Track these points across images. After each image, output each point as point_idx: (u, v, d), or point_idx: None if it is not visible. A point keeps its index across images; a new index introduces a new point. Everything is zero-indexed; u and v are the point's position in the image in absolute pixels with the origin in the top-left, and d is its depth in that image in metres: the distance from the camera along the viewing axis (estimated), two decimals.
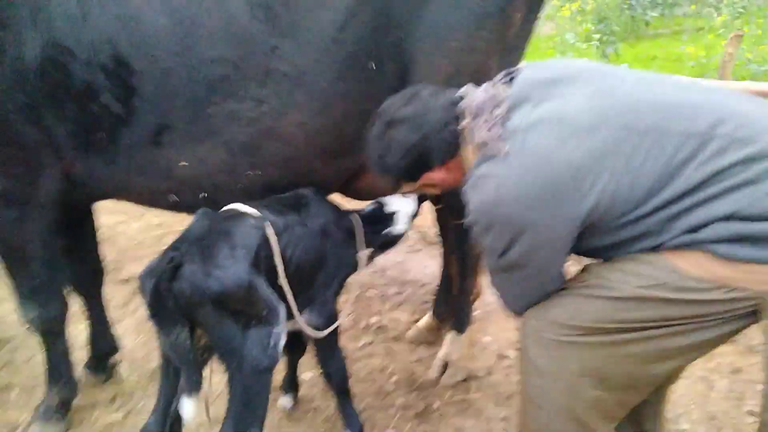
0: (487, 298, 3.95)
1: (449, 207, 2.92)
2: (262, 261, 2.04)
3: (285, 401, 2.93)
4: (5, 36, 2.04)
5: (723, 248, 1.52)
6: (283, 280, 2.12)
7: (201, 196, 2.42)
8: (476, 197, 1.69)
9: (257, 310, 1.95)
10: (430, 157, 1.84)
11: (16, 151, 2.21)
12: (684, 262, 1.58)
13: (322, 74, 2.26)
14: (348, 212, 2.66)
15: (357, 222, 2.61)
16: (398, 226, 2.75)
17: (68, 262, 2.68)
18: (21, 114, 2.13)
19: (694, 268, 1.57)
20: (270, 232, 2.09)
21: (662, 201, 1.56)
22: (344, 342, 3.46)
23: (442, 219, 3.20)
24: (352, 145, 2.46)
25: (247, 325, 1.95)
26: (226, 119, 2.25)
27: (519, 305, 1.91)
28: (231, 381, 1.99)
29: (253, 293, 1.92)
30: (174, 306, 1.84)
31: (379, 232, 2.72)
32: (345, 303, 2.61)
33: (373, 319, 3.78)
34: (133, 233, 4.89)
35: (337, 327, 2.49)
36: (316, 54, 2.23)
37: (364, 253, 2.60)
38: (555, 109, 1.62)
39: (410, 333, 3.57)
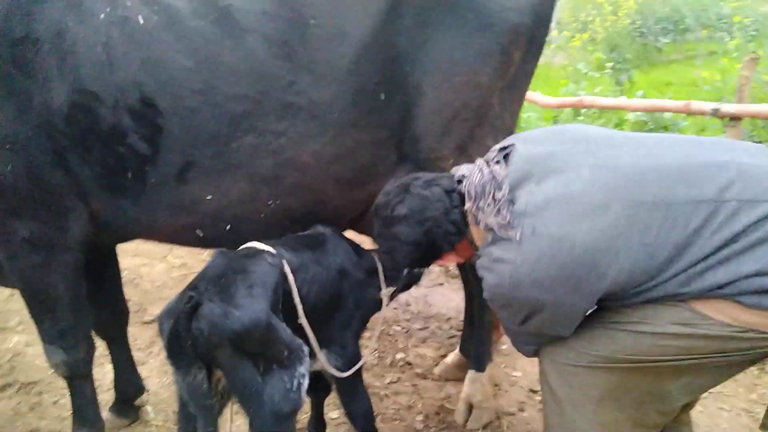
0: None
1: None
2: (279, 300, 2.01)
3: None
4: (32, 84, 2.08)
5: (750, 300, 1.51)
6: (302, 319, 2.08)
7: (226, 228, 2.44)
8: (491, 280, 1.70)
9: (277, 351, 1.90)
10: (438, 247, 1.87)
11: (42, 196, 2.22)
12: (711, 310, 1.57)
13: (335, 105, 2.33)
14: (368, 251, 2.63)
15: (377, 261, 2.57)
16: None
17: (92, 305, 2.66)
18: (47, 159, 2.16)
19: (722, 316, 1.56)
20: (287, 269, 2.07)
21: (679, 269, 1.56)
22: (369, 379, 3.41)
23: None
24: (364, 174, 2.52)
25: (267, 368, 1.90)
26: (247, 152, 2.30)
27: (531, 350, 1.94)
28: (251, 427, 1.93)
29: (272, 333, 1.87)
30: (192, 347, 1.81)
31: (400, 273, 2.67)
32: (369, 339, 2.55)
33: (399, 356, 3.71)
34: (156, 275, 4.90)
35: (361, 367, 2.43)
36: (330, 86, 2.30)
37: (385, 293, 2.56)
38: (560, 188, 1.62)
39: (438, 369, 3.50)
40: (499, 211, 1.66)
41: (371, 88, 2.37)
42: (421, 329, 4.05)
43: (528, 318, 1.71)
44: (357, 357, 2.41)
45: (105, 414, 3.01)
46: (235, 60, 2.20)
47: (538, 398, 3.26)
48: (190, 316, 1.80)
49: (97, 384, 3.21)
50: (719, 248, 1.52)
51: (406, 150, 2.54)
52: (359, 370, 2.43)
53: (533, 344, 1.92)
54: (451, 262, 2.00)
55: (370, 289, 2.52)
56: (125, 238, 2.65)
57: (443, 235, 1.83)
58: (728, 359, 1.63)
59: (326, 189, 2.49)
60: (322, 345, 2.28)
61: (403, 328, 4.06)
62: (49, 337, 2.50)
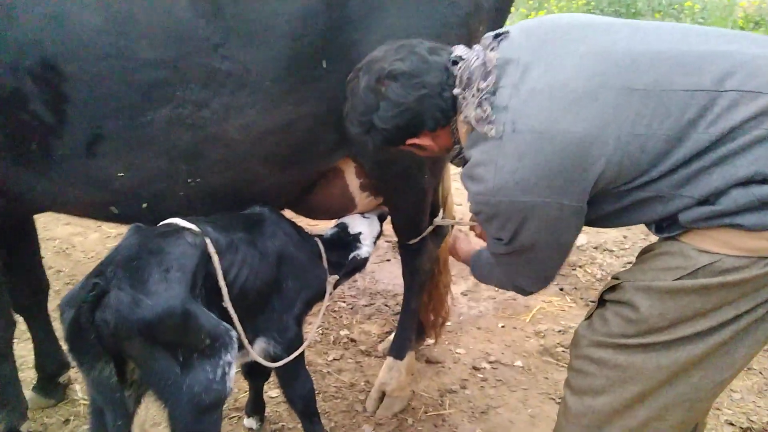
0: (459, 309, 3.87)
1: (398, 224, 2.82)
2: (200, 283, 1.84)
3: (250, 423, 2.77)
4: None
5: (750, 219, 1.40)
6: (228, 304, 1.92)
7: (142, 206, 2.23)
8: (474, 188, 1.59)
9: (197, 340, 1.75)
10: (422, 121, 1.67)
11: None
12: (712, 243, 1.48)
13: (267, 72, 2.09)
14: (311, 235, 2.52)
15: (319, 247, 2.47)
16: (364, 249, 2.63)
17: (8, 278, 2.47)
18: None
19: (724, 247, 1.46)
20: (211, 249, 1.90)
21: (672, 164, 1.45)
22: (312, 357, 3.33)
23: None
24: (300, 153, 2.31)
25: (187, 358, 1.75)
26: (164, 126, 2.06)
27: (537, 284, 1.80)
28: (170, 422, 1.78)
29: (190, 322, 1.72)
30: (97, 339, 1.64)
31: (344, 257, 2.58)
32: (313, 315, 2.47)
33: (343, 332, 3.64)
34: (89, 245, 4.66)
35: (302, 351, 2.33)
36: (262, 50, 2.06)
37: (329, 281, 2.47)
38: (545, 78, 1.50)
39: (381, 346, 3.44)
40: (480, 103, 1.54)
41: (311, 55, 2.13)
42: (366, 306, 3.99)
43: (518, 231, 1.58)
44: (299, 341, 2.30)
45: (28, 393, 2.84)
46: (150, 18, 1.95)
47: (481, 376, 3.25)
48: (93, 306, 1.64)
49: (21, 361, 3.04)
50: (715, 144, 1.41)
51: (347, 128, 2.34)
52: (300, 354, 2.32)
53: (533, 275, 1.77)
54: (424, 149, 1.79)
55: (314, 275, 2.41)
56: (38, 211, 2.45)
57: (433, 107, 1.64)
58: (760, 314, 1.51)
59: (256, 168, 2.28)
60: (259, 331, 2.17)
61: (348, 305, 3.99)
62: None
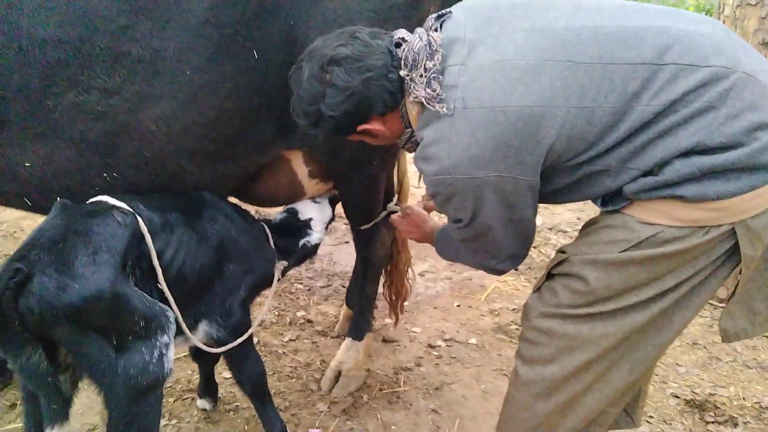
0: (416, 289, 3.90)
1: (350, 211, 2.76)
2: (130, 264, 1.77)
3: (203, 404, 2.74)
4: None
5: (691, 190, 1.45)
6: (163, 285, 1.85)
7: (56, 200, 2.03)
8: (429, 168, 1.58)
9: (130, 322, 1.69)
10: (370, 105, 1.64)
11: None
12: (654, 215, 1.52)
13: (187, 61, 1.92)
14: (257, 219, 2.46)
15: (266, 232, 2.41)
16: (314, 235, 2.58)
17: None
18: None
19: (666, 219, 1.51)
20: (144, 228, 1.81)
21: (618, 137, 1.48)
22: (268, 338, 3.32)
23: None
24: (231, 147, 2.17)
25: (121, 340, 1.69)
26: (68, 113, 1.89)
27: (505, 263, 1.78)
28: (107, 406, 1.72)
29: (121, 305, 1.65)
30: (22, 326, 1.56)
31: (295, 243, 2.53)
32: (268, 297, 2.45)
33: (300, 313, 3.63)
34: (14, 220, 4.52)
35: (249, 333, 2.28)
36: (179, 36, 1.89)
37: (278, 266, 2.41)
38: (491, 54, 1.51)
39: (339, 327, 3.46)
40: (429, 82, 1.53)
41: (239, 44, 1.97)
42: (323, 287, 3.98)
43: (476, 209, 1.58)
44: (245, 326, 2.25)
45: None
46: None
47: (436, 353, 3.29)
48: (16, 293, 1.55)
49: None
50: (658, 116, 1.45)
51: (287, 121, 2.07)
52: (249, 336, 2.28)
53: (499, 254, 1.74)
54: (372, 135, 1.75)
55: (261, 258, 2.36)
56: None
57: (380, 90, 1.62)
58: (696, 285, 1.57)
59: (180, 163, 2.11)
60: (201, 315, 2.12)
61: (305, 286, 3.98)
62: None
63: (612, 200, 1.60)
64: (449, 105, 1.51)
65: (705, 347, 3.42)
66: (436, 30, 1.61)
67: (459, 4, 1.70)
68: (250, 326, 2.27)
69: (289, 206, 2.63)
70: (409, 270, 3.32)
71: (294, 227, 2.56)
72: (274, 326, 3.47)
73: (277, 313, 3.61)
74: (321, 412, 2.80)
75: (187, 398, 2.85)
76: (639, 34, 1.49)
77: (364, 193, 2.64)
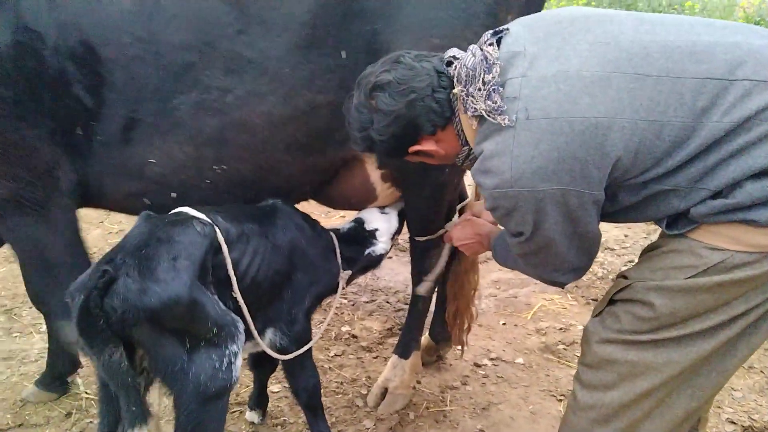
0: None
1: (412, 220, 2.73)
2: (209, 273, 1.87)
3: (252, 416, 2.77)
4: None
5: (763, 214, 1.39)
6: (237, 294, 1.94)
7: (172, 196, 2.27)
8: (489, 182, 1.54)
9: (204, 328, 1.77)
10: (417, 126, 1.66)
11: (13, 152, 2.05)
12: (722, 240, 1.47)
13: (287, 60, 2.12)
14: (326, 229, 2.47)
15: (334, 242, 2.43)
16: (380, 246, 2.56)
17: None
18: (6, 111, 1.98)
19: (735, 244, 1.46)
20: (221, 239, 1.92)
21: (688, 154, 1.43)
22: (314, 353, 3.32)
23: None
24: (323, 140, 2.31)
25: (194, 345, 1.77)
26: (191, 110, 2.12)
27: (568, 275, 1.73)
28: (176, 409, 1.80)
29: (197, 310, 1.74)
30: (106, 325, 1.66)
31: (359, 252, 2.52)
32: (332, 306, 2.51)
33: (345, 329, 3.65)
34: (92, 241, 4.67)
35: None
36: (282, 37, 2.09)
37: (342, 276, 2.43)
38: (555, 65, 1.48)
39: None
40: (489, 95, 1.50)
41: (331, 44, 2.14)
42: (368, 302, 3.99)
43: (538, 222, 1.53)
44: (306, 335, 2.29)
45: (30, 388, 2.86)
46: (177, 3, 2.01)
47: (482, 372, 3.26)
48: (102, 293, 1.65)
49: (23, 354, 3.04)
50: (730, 134, 1.40)
51: None
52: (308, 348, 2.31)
53: (562, 267, 1.70)
54: (429, 155, 1.75)
55: (326, 269, 2.38)
56: (84, 204, 2.39)
57: (425, 110, 1.63)
58: (764, 309, 1.52)
59: (278, 154, 2.29)
60: (268, 322, 2.17)
61: (349, 301, 4.00)
62: (59, 312, 2.34)
63: (677, 223, 1.56)
64: (511, 116, 1.47)
65: (762, 371, 3.30)
66: (490, 44, 1.59)
67: (518, 20, 1.69)
68: (310, 335, 2.30)
69: (358, 215, 2.64)
70: (477, 292, 3.19)
71: (360, 237, 2.56)
72: (319, 341, 3.50)
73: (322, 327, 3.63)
74: (368, 429, 2.80)
75: (235, 411, 2.88)
76: (709, 49, 1.45)
77: (430, 201, 2.63)
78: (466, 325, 3.12)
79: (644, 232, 4.95)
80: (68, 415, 2.84)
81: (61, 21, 1.94)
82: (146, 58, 2.02)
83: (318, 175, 2.46)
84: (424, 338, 3.30)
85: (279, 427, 2.81)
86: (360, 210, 2.70)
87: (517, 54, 1.53)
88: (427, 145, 1.72)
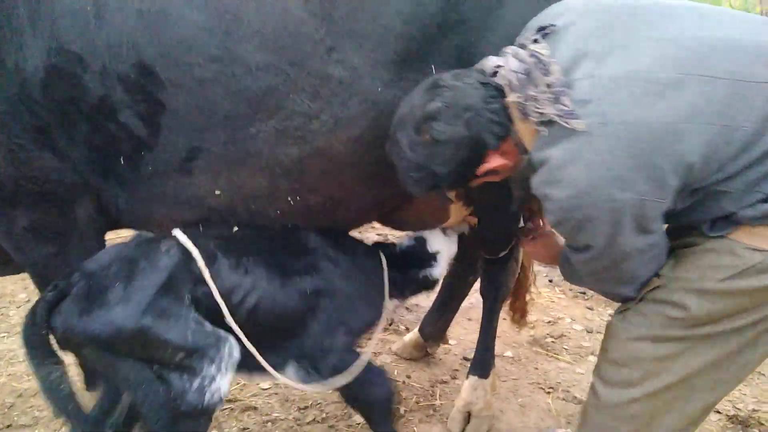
0: None
1: (487, 238, 2.52)
2: (183, 297, 1.75)
3: None
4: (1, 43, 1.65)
5: None
6: (230, 323, 1.82)
7: (233, 227, 2.07)
8: (559, 193, 1.45)
9: (166, 355, 1.69)
10: (483, 143, 1.55)
11: (33, 181, 1.82)
12: (762, 240, 1.45)
13: (379, 77, 1.85)
14: (372, 252, 2.27)
15: (383, 265, 2.23)
16: (437, 269, 2.37)
17: None
18: (29, 138, 1.75)
19: None
20: (202, 266, 1.78)
21: (749, 160, 1.40)
22: None
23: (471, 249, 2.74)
24: None
25: (162, 368, 1.70)
26: (270, 139, 1.85)
27: (637, 287, 1.67)
28: (145, 423, 1.75)
29: (149, 338, 1.65)
30: (48, 341, 1.62)
31: (415, 273, 2.34)
32: (373, 336, 2.34)
33: None
34: None
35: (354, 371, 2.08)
36: (375, 53, 1.82)
37: (389, 306, 2.24)
38: (625, 65, 1.40)
39: (395, 347, 3.37)
40: (557, 98, 1.41)
41: (421, 58, 1.87)
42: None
43: (613, 236, 1.46)
44: (345, 365, 2.06)
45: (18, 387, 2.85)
46: (260, 17, 1.71)
47: None
48: (50, 307, 1.61)
49: (11, 355, 3.02)
50: None
51: None
52: (367, 370, 2.10)
53: (630, 280, 1.64)
54: (495, 172, 1.64)
55: (368, 303, 2.19)
56: (118, 228, 2.20)
57: (485, 124, 1.52)
58: None
59: (354, 186, 2.04)
60: (290, 356, 2.03)
61: None
62: None
63: (720, 224, 1.52)
64: (585, 121, 1.39)
65: None
66: (536, 41, 1.51)
67: (556, 9, 1.60)
68: (350, 362, 2.08)
69: (419, 234, 2.43)
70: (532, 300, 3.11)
71: (418, 256, 2.37)
72: None
73: None
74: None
75: (226, 409, 2.88)
76: None
77: (506, 215, 2.36)
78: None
79: None
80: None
81: (110, 41, 1.68)
82: (218, 80, 1.75)
83: (384, 207, 2.24)
84: (413, 334, 3.32)
85: (270, 423, 2.82)
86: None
87: (580, 51, 1.45)
88: (495, 161, 1.62)
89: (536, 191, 1.52)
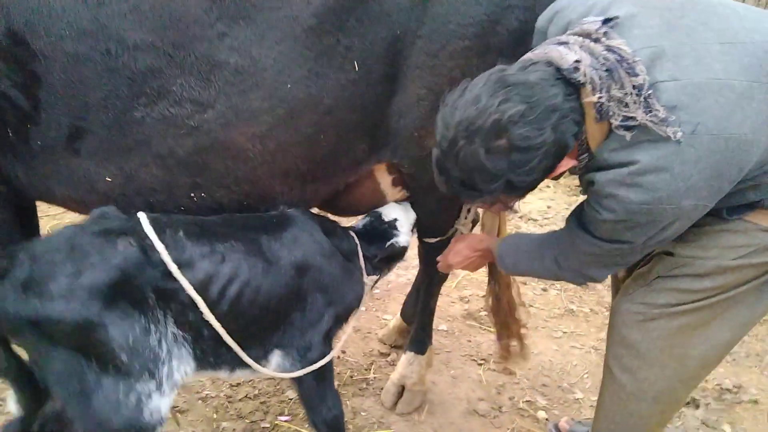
0: (388, 277, 3.90)
1: (424, 222, 2.50)
2: (143, 295, 1.62)
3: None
4: None
5: None
6: (209, 318, 1.70)
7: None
8: (635, 196, 1.40)
9: (108, 354, 1.55)
10: (565, 147, 1.42)
11: None
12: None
13: (287, 73, 1.76)
14: (345, 233, 2.24)
15: (356, 244, 2.21)
16: (402, 237, 2.35)
17: None
18: None
19: None
20: (167, 259, 1.64)
21: None
22: None
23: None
24: (323, 167, 2.02)
25: (102, 369, 1.56)
26: (158, 126, 1.75)
27: (607, 275, 1.77)
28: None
29: (93, 333, 1.52)
30: None
31: (381, 246, 2.30)
32: (350, 319, 2.27)
33: None
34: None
35: (329, 370, 2.07)
36: (281, 45, 1.73)
37: (368, 281, 2.22)
38: (702, 70, 1.36)
39: (381, 332, 3.35)
40: (647, 103, 1.34)
41: (341, 54, 1.79)
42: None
43: (656, 235, 1.48)
44: (324, 354, 2.01)
45: None
46: None
47: None
48: None
49: None
50: None
51: (381, 134, 2.01)
52: (326, 372, 2.06)
53: (621, 265, 1.72)
54: (558, 172, 1.53)
55: (350, 285, 2.14)
56: (31, 200, 2.08)
57: (570, 126, 1.40)
58: None
59: (271, 184, 1.97)
60: (274, 346, 1.96)
61: None
62: None
63: (738, 209, 1.58)
64: (678, 129, 1.34)
65: None
66: (608, 36, 1.41)
67: (621, 4, 1.50)
68: (329, 362, 2.04)
69: (372, 210, 2.42)
70: (521, 305, 2.96)
71: (379, 230, 2.34)
72: None
73: None
74: (290, 399, 2.80)
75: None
76: None
77: (442, 204, 2.40)
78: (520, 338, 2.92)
79: (566, 204, 5.12)
80: None
81: None
82: (92, 55, 1.65)
83: (317, 201, 2.19)
84: (396, 319, 3.28)
85: (200, 401, 2.77)
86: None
87: (657, 50, 1.38)
88: (567, 163, 1.49)
89: (605, 189, 1.45)
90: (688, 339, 1.73)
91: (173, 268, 1.64)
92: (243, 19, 1.69)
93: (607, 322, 3.45)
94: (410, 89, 1.94)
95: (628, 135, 1.38)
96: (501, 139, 1.36)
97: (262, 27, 1.71)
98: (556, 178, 1.58)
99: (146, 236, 1.66)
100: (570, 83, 1.39)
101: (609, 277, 2.00)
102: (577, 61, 1.39)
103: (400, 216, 2.37)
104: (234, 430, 2.60)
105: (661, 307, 1.73)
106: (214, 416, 2.68)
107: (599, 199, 1.48)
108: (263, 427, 2.64)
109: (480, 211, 2.65)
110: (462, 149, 1.41)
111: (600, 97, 1.37)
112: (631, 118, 1.36)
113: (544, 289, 3.90)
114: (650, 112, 1.34)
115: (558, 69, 1.40)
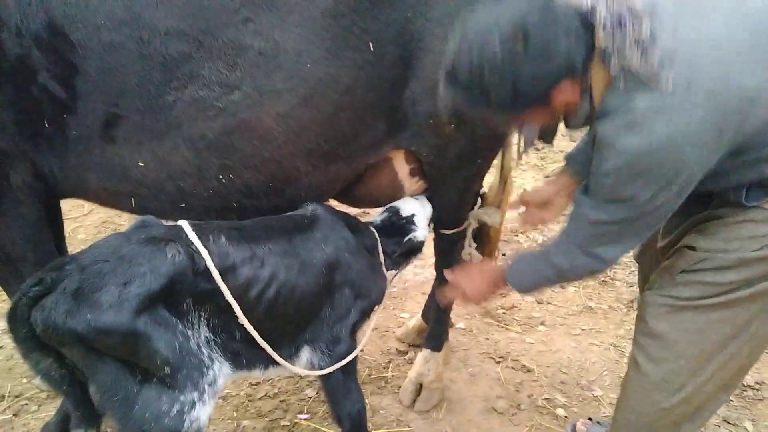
0: (405, 276, 3.92)
1: (440, 212, 2.53)
2: (183, 305, 1.66)
3: None
4: None
5: None
6: (244, 322, 1.75)
7: (167, 201, 2.04)
8: (635, 139, 1.43)
9: (153, 365, 1.58)
10: (574, 63, 1.42)
11: None
12: None
13: (307, 54, 1.85)
14: (368, 228, 2.28)
15: (377, 239, 2.25)
16: (419, 232, 2.39)
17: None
18: None
19: None
20: (211, 266, 1.68)
21: None
22: None
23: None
24: (344, 147, 2.08)
25: (145, 379, 1.60)
26: (188, 109, 1.85)
27: (624, 251, 1.72)
28: None
29: (140, 344, 1.55)
30: (30, 334, 1.53)
31: (399, 241, 2.34)
32: (374, 312, 2.32)
33: None
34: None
35: (354, 363, 2.12)
36: (300, 28, 1.83)
37: (390, 275, 2.27)
38: (702, 28, 1.40)
39: (399, 332, 3.36)
40: (644, 54, 1.38)
41: (356, 36, 1.87)
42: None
43: (658, 194, 1.49)
44: (351, 354, 2.08)
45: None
46: None
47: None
48: (32, 302, 1.52)
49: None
50: None
51: (398, 117, 2.09)
52: (350, 369, 2.11)
53: (631, 241, 1.69)
54: (554, 111, 1.53)
55: (373, 281, 2.19)
56: (63, 196, 2.16)
57: (581, 43, 1.42)
58: None
59: (296, 163, 2.04)
60: (305, 342, 2.02)
61: None
62: None
63: (755, 194, 1.59)
64: (671, 81, 1.37)
65: None
66: None
67: None
68: (355, 356, 2.11)
69: (389, 205, 2.46)
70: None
71: (397, 225, 2.38)
72: None
73: None
74: (310, 398, 2.83)
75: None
76: None
77: (460, 194, 2.49)
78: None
79: (565, 215, 5.07)
80: (1, 398, 2.78)
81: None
82: (127, 44, 1.75)
83: (339, 183, 2.24)
84: (416, 319, 3.28)
85: (221, 400, 2.81)
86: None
87: (656, 6, 1.42)
88: (569, 93, 1.49)
89: (604, 137, 1.49)
90: (715, 334, 1.73)
91: (216, 275, 1.69)
92: (265, 4, 1.80)
93: (625, 319, 3.47)
94: (423, 74, 1.99)
95: (624, 84, 1.43)
96: (517, 39, 1.38)
97: (283, 11, 1.82)
98: (552, 132, 1.63)
99: (191, 243, 1.70)
100: (585, 23, 1.44)
101: (636, 273, 1.99)
102: (594, 4, 1.44)
103: (418, 211, 2.41)
104: (254, 428, 2.64)
105: (687, 300, 1.73)
106: (235, 415, 2.72)
107: (601, 149, 1.52)
108: (283, 426, 2.67)
109: (480, 212, 2.64)
110: (477, 48, 1.41)
111: (606, 40, 1.42)
112: (630, 68, 1.40)
113: (562, 286, 3.89)
114: (647, 63, 1.38)
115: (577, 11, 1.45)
